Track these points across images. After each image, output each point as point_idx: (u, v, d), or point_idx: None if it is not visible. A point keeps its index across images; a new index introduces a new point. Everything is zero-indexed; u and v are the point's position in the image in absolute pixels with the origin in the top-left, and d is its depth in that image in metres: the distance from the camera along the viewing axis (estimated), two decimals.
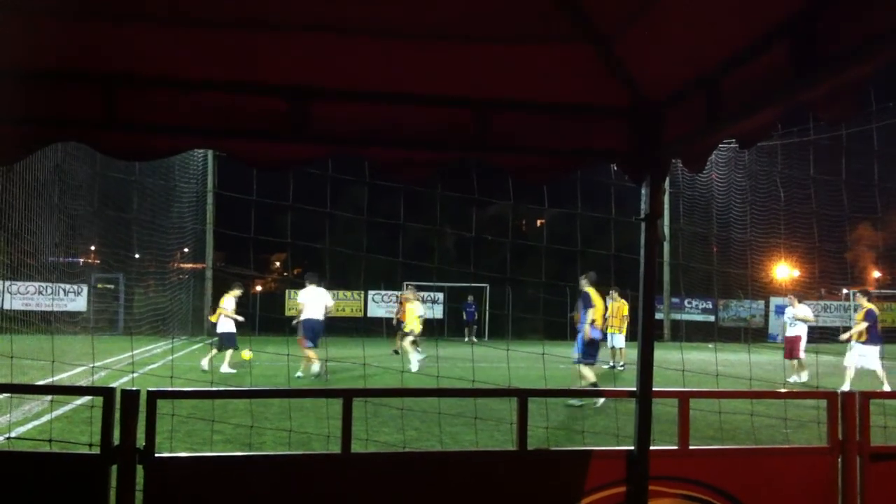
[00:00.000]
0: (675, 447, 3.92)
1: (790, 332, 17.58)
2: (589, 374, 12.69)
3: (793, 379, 17.32)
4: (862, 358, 14.74)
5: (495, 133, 3.34)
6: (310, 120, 3.20)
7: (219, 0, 2.79)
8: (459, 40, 3.01)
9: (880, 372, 14.62)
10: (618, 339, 19.01)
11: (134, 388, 3.35)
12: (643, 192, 3.54)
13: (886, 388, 14.49)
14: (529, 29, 2.94)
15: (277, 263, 47.20)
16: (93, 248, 25.61)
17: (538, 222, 46.42)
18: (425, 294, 32.64)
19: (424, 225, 31.53)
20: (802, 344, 17.20)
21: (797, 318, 17.07)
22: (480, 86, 3.25)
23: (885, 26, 1.97)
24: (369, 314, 34.41)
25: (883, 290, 47.40)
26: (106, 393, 3.30)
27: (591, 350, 12.88)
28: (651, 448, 3.63)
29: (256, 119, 3.17)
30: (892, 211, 36.92)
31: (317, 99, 3.20)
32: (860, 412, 4.04)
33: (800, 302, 17.74)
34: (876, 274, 51.26)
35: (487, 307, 34.10)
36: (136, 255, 27.07)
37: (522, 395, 3.85)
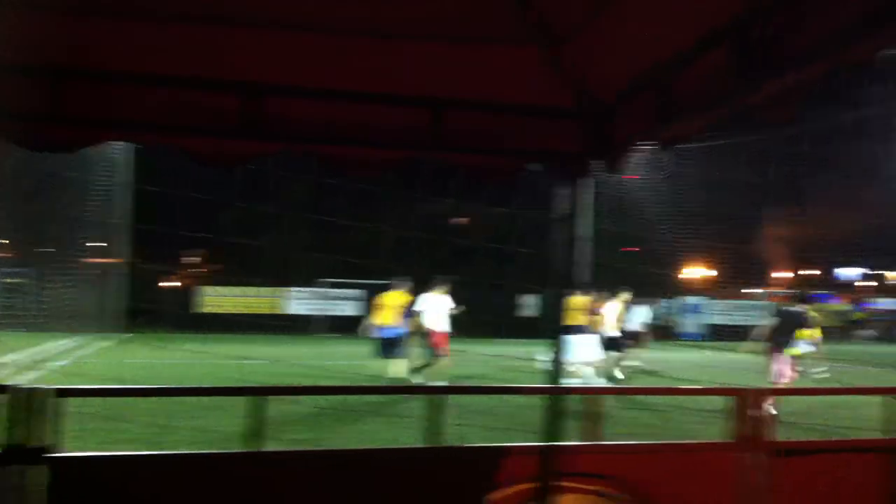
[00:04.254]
0: (587, 443, 3.99)
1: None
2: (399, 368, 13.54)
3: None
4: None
5: (450, 132, 3.34)
6: (262, 117, 3.13)
7: None
8: (416, 39, 3.00)
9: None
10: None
11: (40, 386, 3.26)
12: (566, 191, 3.57)
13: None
14: (485, 30, 2.94)
15: (197, 259, 46.30)
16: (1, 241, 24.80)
17: (463, 220, 46.49)
18: (357, 292, 32.31)
19: (365, 223, 31.54)
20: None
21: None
22: (436, 85, 3.25)
23: (826, 33, 2.03)
24: (292, 311, 33.99)
25: (791, 291, 48.94)
26: (9, 390, 3.20)
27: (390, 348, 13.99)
28: (563, 444, 3.68)
29: (207, 115, 3.09)
30: (811, 212, 38.25)
31: (270, 95, 3.15)
32: (763, 408, 4.17)
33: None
34: (788, 274, 52.98)
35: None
36: (48, 249, 26.29)
37: (437, 393, 3.88)
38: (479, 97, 3.32)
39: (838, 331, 39.40)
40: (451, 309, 14.10)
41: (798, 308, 13.81)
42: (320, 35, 2.96)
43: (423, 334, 13.70)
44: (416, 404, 7.42)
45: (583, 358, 13.67)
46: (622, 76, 3.01)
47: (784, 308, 14.55)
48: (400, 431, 8.91)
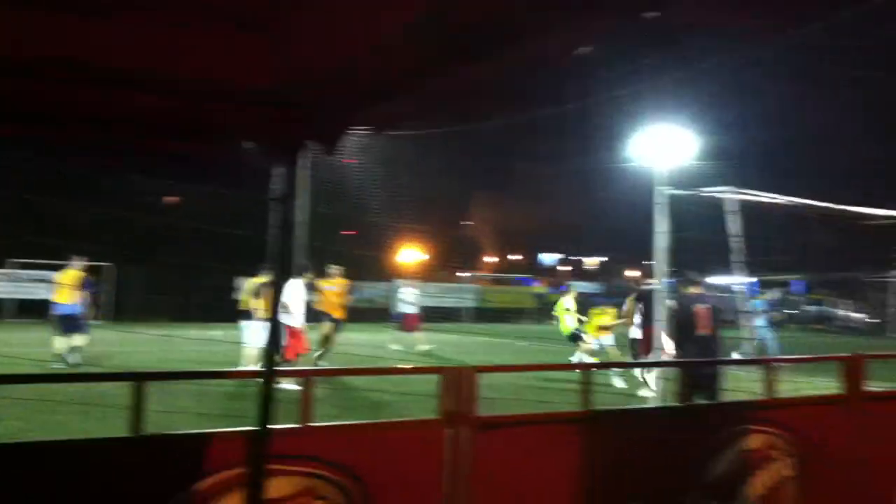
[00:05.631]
0: (297, 426, 3.98)
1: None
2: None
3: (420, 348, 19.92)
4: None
5: (139, 109, 3.12)
6: None
7: None
8: (109, 14, 2.75)
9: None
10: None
11: None
12: (279, 172, 3.52)
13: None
14: (183, 5, 2.77)
15: None
16: None
17: (173, 200, 44.53)
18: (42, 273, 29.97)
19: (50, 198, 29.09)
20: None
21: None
22: (127, 59, 3.00)
23: (519, 23, 2.12)
24: None
25: (497, 275, 52.13)
26: None
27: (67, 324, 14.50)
28: (272, 427, 3.64)
29: None
30: (506, 201, 40.65)
31: None
32: (469, 385, 4.37)
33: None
34: (491, 258, 56.29)
35: (115, 287, 32.02)
36: None
37: (138, 379, 3.69)
38: (172, 74, 3.13)
39: (536, 312, 42.49)
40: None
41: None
42: None
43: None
44: (120, 391, 7.03)
45: (257, 342, 13.57)
46: (328, 60, 2.99)
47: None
48: (95, 422, 8.40)
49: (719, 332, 9.16)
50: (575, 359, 15.70)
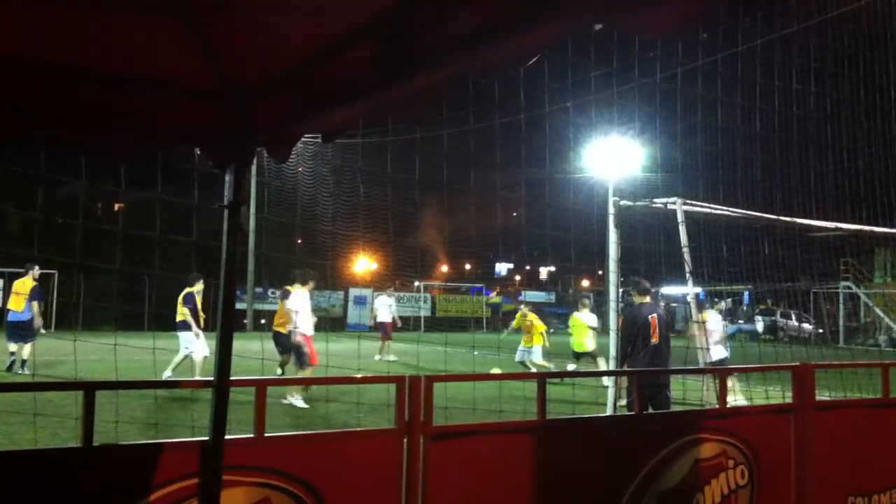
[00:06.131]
0: (251, 436, 3.91)
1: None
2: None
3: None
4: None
5: (70, 104, 3.03)
6: None
7: None
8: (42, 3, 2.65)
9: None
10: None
11: None
12: (227, 179, 3.47)
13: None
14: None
15: None
16: None
17: (116, 206, 43.80)
18: None
19: None
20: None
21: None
22: (57, 51, 2.90)
23: (460, 35, 2.10)
24: None
25: (450, 284, 52.19)
26: None
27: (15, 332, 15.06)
28: (226, 437, 3.57)
29: None
30: (458, 211, 40.71)
31: None
32: (425, 395, 4.34)
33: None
34: (444, 268, 56.36)
35: (55, 295, 31.33)
36: None
37: (88, 388, 3.59)
38: (105, 67, 2.98)
39: (490, 321, 42.59)
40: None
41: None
42: None
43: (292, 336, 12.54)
44: (69, 401, 6.87)
45: (200, 351, 13.58)
46: (273, 62, 2.93)
47: None
48: (41, 432, 8.18)
49: (670, 342, 9.27)
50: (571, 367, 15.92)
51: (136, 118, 3.19)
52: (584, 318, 16.35)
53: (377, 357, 21.05)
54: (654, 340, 8.86)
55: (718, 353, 12.35)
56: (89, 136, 3.24)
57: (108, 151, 3.34)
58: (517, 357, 17.20)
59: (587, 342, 16.17)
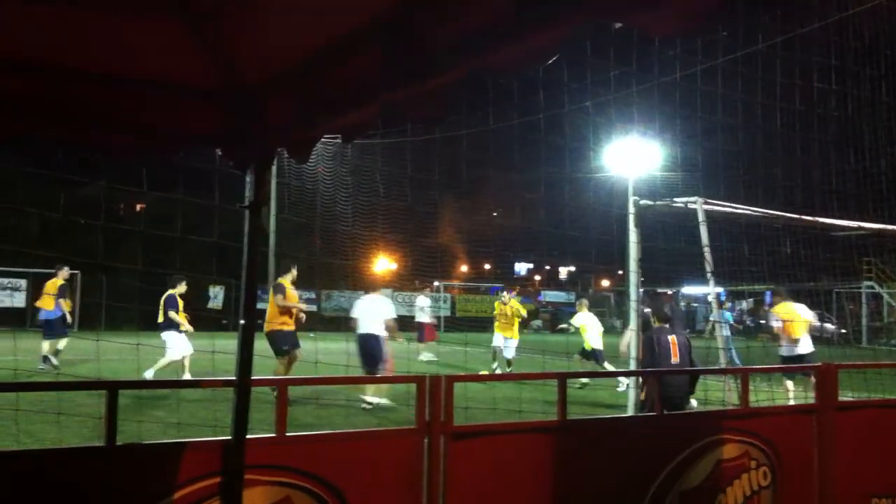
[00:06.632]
0: (273, 435, 3.93)
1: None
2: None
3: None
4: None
5: (74, 106, 3.04)
6: None
7: None
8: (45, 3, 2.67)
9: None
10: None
11: None
12: (247, 179, 3.48)
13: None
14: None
15: None
16: None
17: (137, 207, 44.02)
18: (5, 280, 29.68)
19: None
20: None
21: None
22: (60, 53, 2.91)
23: (472, 33, 2.10)
24: None
25: (469, 284, 52.19)
26: None
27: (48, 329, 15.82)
28: (248, 437, 3.59)
29: None
30: (478, 211, 40.66)
31: None
32: (445, 395, 4.34)
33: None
34: (463, 268, 56.32)
35: (79, 296, 31.54)
36: None
37: (112, 388, 3.62)
38: (113, 70, 2.98)
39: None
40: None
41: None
42: None
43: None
44: (93, 400, 6.90)
45: (182, 351, 13.77)
46: (277, 61, 2.92)
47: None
48: (64, 430, 8.24)
49: (696, 365, 9.24)
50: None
51: (136, 118, 3.19)
52: (583, 319, 16.50)
53: (421, 358, 20.93)
54: (675, 360, 8.78)
55: (806, 345, 12.08)
56: (89, 136, 3.25)
57: (108, 151, 3.36)
58: (493, 342, 17.55)
59: (591, 340, 16.25)
